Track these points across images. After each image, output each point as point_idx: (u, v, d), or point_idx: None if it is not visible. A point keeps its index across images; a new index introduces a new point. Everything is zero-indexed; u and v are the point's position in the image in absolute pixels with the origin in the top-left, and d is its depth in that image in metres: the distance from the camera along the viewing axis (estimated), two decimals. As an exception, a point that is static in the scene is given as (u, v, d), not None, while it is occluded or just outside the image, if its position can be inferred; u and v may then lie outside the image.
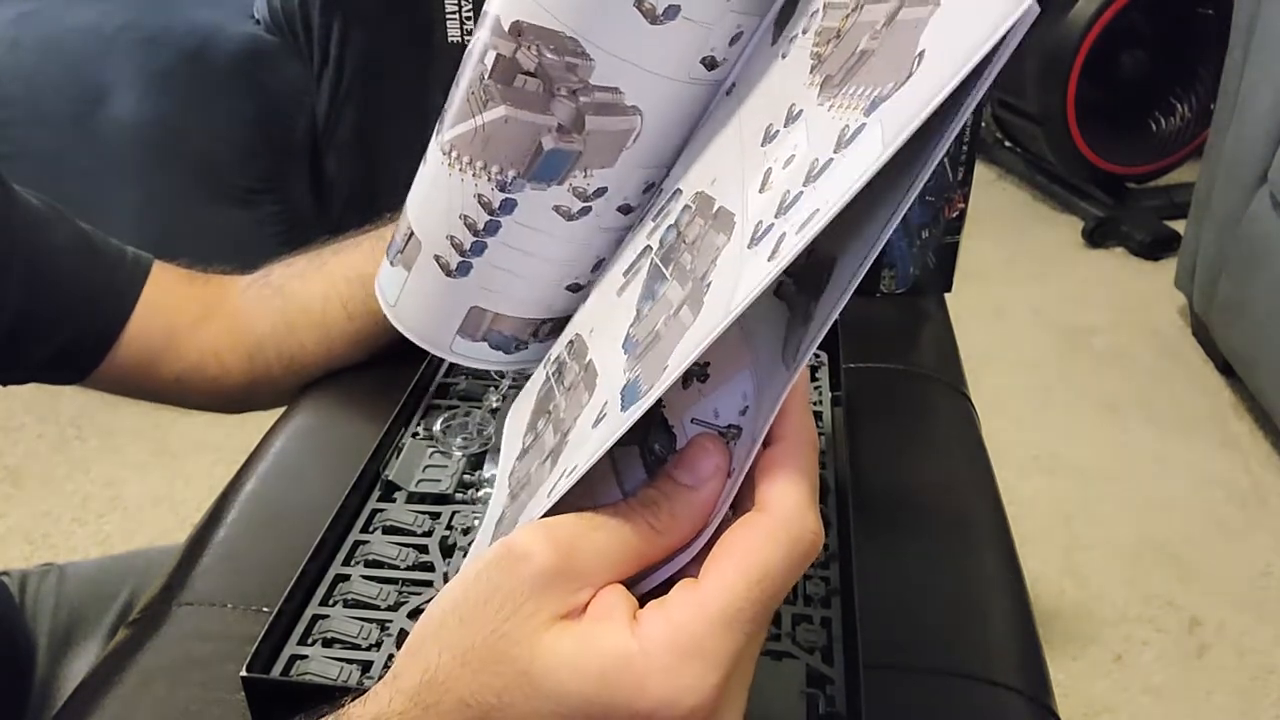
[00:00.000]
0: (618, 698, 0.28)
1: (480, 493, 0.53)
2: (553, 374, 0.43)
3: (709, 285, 0.31)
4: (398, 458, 0.55)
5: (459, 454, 0.55)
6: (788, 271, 0.29)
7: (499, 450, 0.51)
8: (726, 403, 0.34)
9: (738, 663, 0.29)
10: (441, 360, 0.63)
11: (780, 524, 0.29)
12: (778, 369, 0.32)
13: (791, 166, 0.30)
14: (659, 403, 0.33)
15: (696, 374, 0.35)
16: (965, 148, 0.72)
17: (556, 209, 0.40)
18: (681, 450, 0.33)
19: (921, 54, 0.26)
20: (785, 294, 0.34)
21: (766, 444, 0.31)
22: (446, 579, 0.48)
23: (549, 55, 0.37)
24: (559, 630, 0.29)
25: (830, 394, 0.60)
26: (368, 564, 0.48)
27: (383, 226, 0.63)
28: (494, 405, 0.58)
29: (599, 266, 0.44)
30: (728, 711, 0.29)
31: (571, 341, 0.43)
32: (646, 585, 0.32)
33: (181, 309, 0.62)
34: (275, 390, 0.65)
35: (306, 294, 0.63)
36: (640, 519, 0.31)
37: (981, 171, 2.49)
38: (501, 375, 0.61)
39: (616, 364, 0.35)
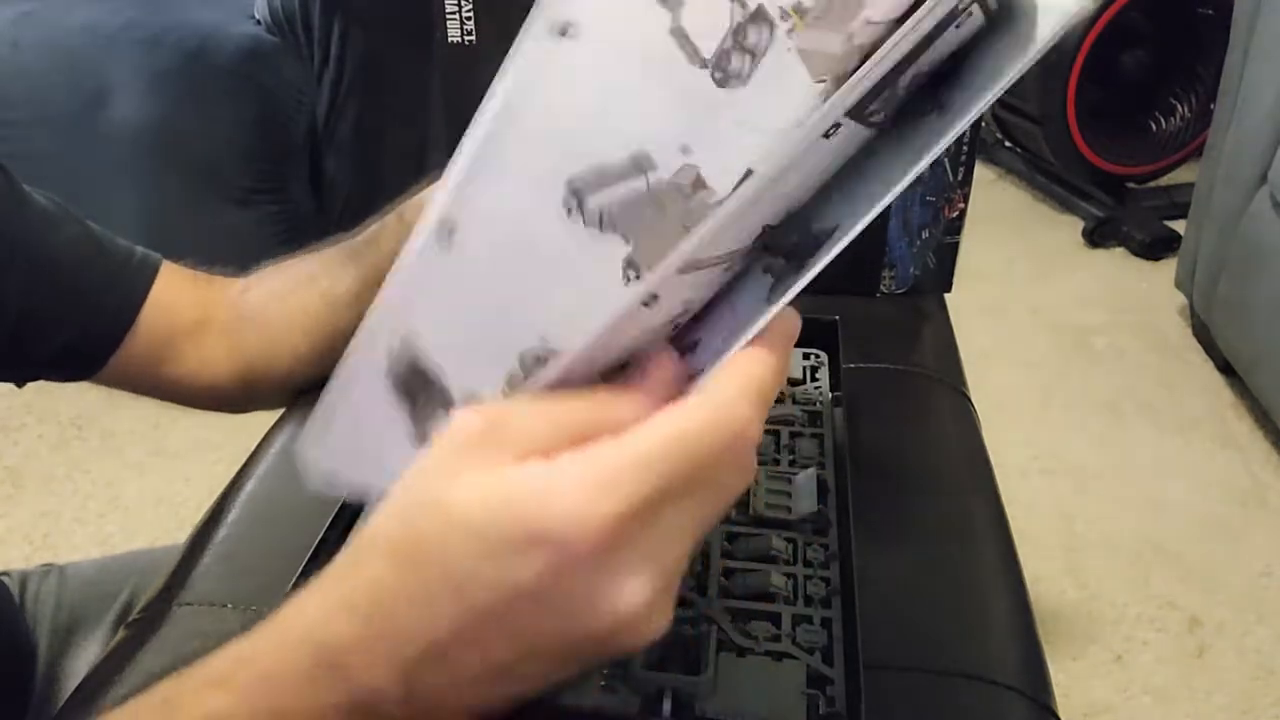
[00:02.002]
0: (521, 516, 0.29)
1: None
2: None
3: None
4: (398, 458, 0.54)
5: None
6: (779, 252, 0.30)
7: None
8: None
9: (643, 511, 0.29)
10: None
11: (710, 402, 0.30)
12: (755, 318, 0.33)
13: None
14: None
15: (687, 349, 0.35)
16: (965, 148, 0.72)
17: None
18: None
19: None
20: (773, 269, 0.34)
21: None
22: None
23: None
24: (480, 471, 0.30)
25: (830, 394, 0.60)
26: (368, 564, 0.48)
27: (356, 236, 0.62)
28: (494, 405, 0.58)
29: None
30: (623, 565, 0.29)
31: None
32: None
33: (185, 312, 0.63)
34: (270, 397, 0.65)
35: (281, 323, 0.63)
36: (581, 405, 0.32)
37: (981, 171, 2.49)
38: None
39: None
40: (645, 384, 0.33)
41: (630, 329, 0.32)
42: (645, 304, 0.31)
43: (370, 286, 0.57)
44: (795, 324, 0.34)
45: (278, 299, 0.63)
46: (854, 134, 0.31)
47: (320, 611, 0.31)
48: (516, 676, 0.31)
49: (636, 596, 0.29)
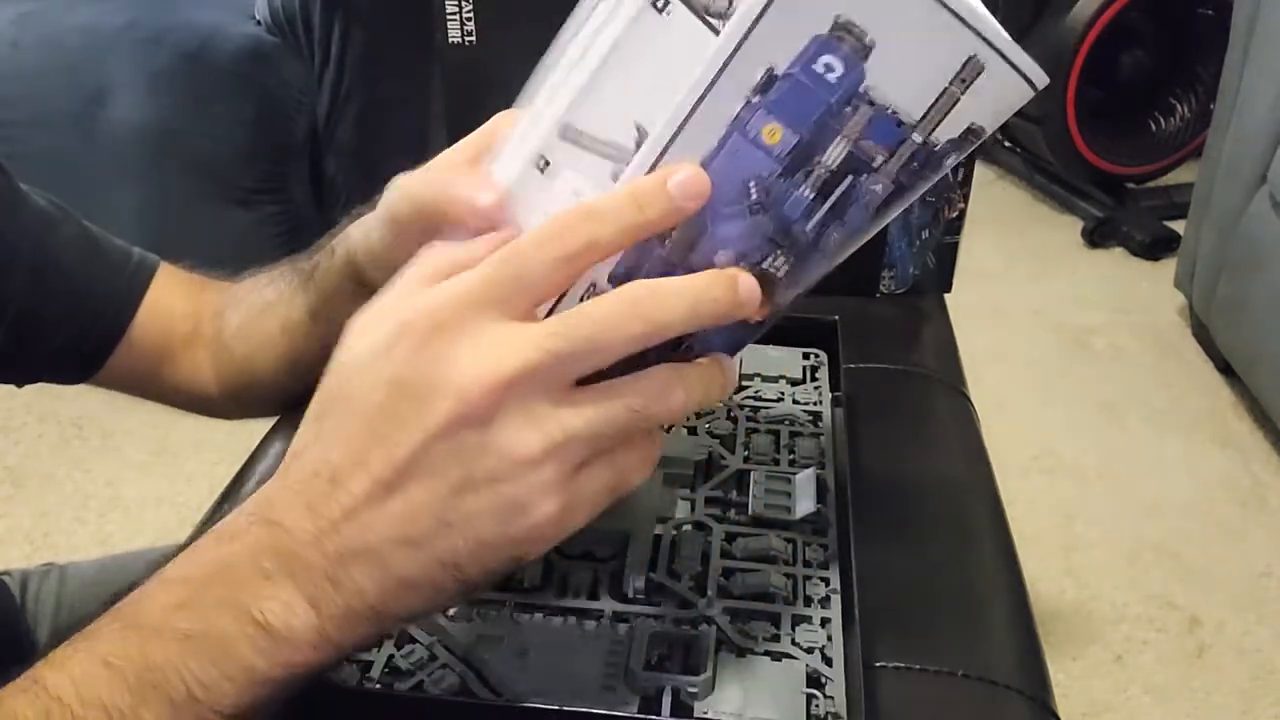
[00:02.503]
0: (387, 313, 0.34)
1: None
2: None
3: None
4: (398, 458, 0.54)
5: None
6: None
7: None
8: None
9: (483, 301, 0.33)
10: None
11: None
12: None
13: None
14: None
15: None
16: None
17: None
18: None
19: None
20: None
21: None
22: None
23: None
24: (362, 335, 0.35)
25: (830, 394, 0.60)
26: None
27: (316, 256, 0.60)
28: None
29: None
30: (468, 342, 0.32)
31: None
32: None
33: (181, 317, 0.62)
34: (260, 410, 0.65)
35: (250, 346, 0.61)
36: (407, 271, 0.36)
37: (981, 171, 2.49)
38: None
39: None
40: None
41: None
42: (539, 169, 0.35)
43: (320, 313, 0.56)
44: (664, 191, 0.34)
45: (245, 329, 0.61)
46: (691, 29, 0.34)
47: (268, 484, 0.35)
48: (416, 526, 0.32)
49: (486, 370, 0.31)
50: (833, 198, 0.34)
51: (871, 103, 0.33)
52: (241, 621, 0.32)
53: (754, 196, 0.34)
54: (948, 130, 0.33)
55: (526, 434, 0.32)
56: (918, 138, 0.33)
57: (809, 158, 0.34)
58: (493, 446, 0.32)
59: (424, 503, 0.32)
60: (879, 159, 0.34)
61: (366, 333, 0.34)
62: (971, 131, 0.34)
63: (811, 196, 0.34)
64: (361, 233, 0.50)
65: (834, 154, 0.34)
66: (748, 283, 0.34)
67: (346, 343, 0.34)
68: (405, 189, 0.44)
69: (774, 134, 0.33)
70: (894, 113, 0.33)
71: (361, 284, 0.51)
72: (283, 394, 0.62)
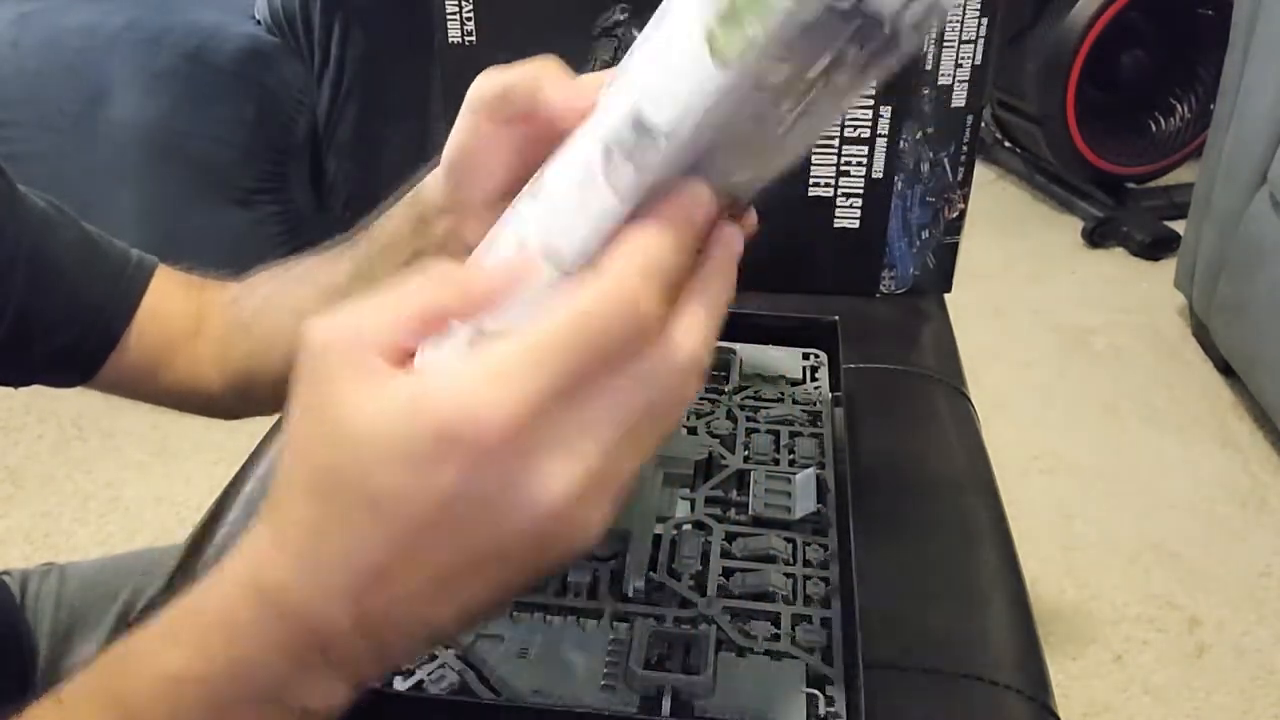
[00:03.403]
0: (425, 420, 0.28)
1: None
2: None
3: None
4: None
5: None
6: None
7: None
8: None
9: (551, 396, 0.28)
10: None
11: (603, 277, 0.30)
12: None
13: None
14: None
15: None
16: (965, 148, 0.72)
17: None
18: None
19: None
20: None
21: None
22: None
23: None
24: (360, 383, 0.30)
25: (830, 394, 0.60)
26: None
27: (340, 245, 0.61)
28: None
29: None
30: (544, 454, 0.29)
31: None
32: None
33: (180, 317, 0.62)
34: (262, 406, 0.65)
35: (269, 336, 0.61)
36: (417, 280, 0.31)
37: (981, 171, 2.49)
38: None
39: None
40: (487, 252, 0.33)
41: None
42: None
43: (364, 273, 0.56)
44: (698, 201, 0.32)
45: (270, 302, 0.62)
46: None
47: (256, 554, 0.31)
48: (463, 589, 0.31)
49: (557, 485, 0.29)
50: (806, 101, 0.33)
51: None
52: (282, 713, 0.31)
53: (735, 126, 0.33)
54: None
55: (593, 519, 0.30)
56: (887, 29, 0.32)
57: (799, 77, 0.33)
58: (564, 538, 0.30)
59: (482, 587, 0.31)
60: (852, 54, 0.32)
61: (386, 412, 0.29)
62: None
63: (790, 108, 0.33)
64: (431, 172, 0.49)
65: (819, 65, 0.32)
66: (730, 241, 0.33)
67: (350, 402, 0.30)
68: (492, 76, 0.41)
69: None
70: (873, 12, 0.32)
71: (422, 228, 0.50)
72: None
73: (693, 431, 0.56)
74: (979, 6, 0.67)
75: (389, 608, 0.30)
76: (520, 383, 0.28)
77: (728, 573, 0.47)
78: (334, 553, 0.30)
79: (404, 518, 0.29)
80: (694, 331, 0.31)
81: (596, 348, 0.29)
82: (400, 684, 0.42)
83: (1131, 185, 2.35)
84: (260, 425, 0.64)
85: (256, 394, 0.63)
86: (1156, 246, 2.18)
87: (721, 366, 0.61)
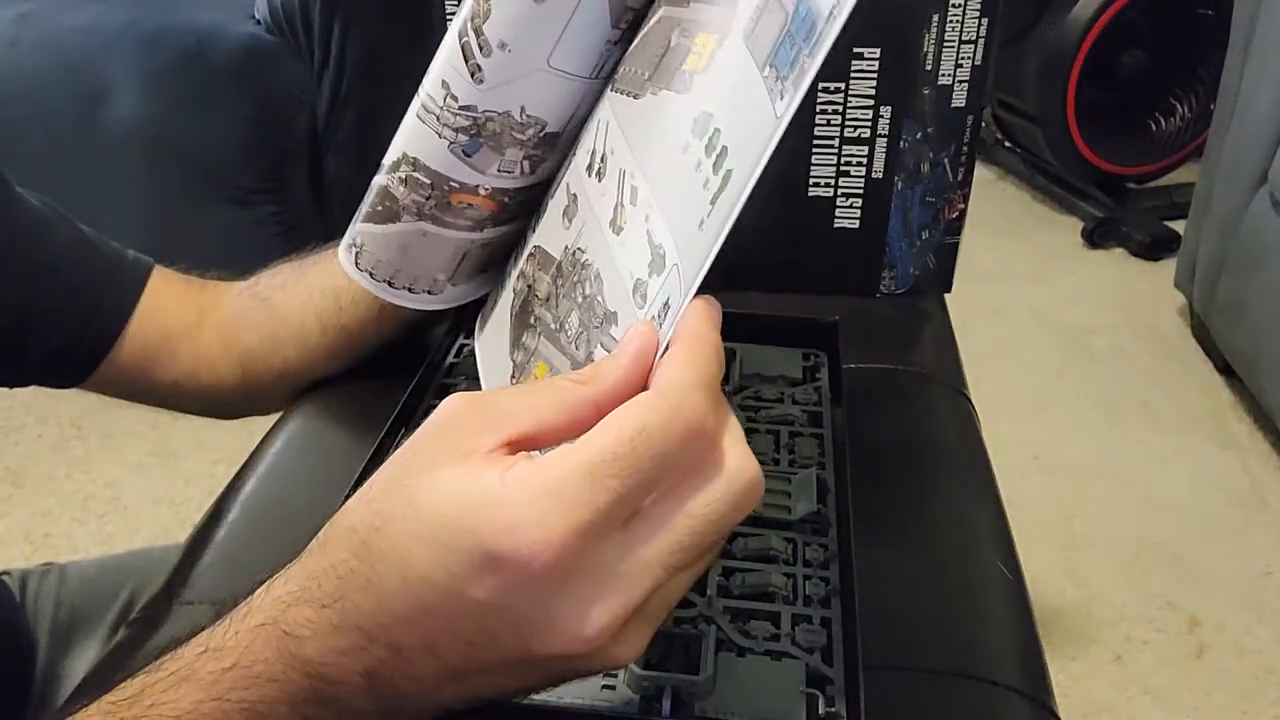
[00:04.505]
0: (471, 524, 0.28)
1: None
2: (518, 291, 0.47)
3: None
4: (398, 458, 0.54)
5: (459, 454, 0.55)
6: None
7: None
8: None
9: (599, 525, 0.27)
10: (441, 362, 0.63)
11: (661, 393, 0.29)
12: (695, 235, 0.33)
13: None
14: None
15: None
16: (965, 148, 0.72)
17: None
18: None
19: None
20: None
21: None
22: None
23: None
24: (452, 465, 0.29)
25: (830, 394, 0.60)
26: (368, 564, 0.48)
27: None
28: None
29: None
30: (584, 584, 0.28)
31: (532, 255, 0.46)
32: None
33: (178, 314, 0.62)
34: (268, 398, 0.65)
35: (287, 306, 0.62)
36: (561, 378, 0.31)
37: (981, 172, 2.49)
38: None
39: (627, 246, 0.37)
40: (622, 351, 0.32)
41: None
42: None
43: None
44: (717, 308, 0.32)
45: (285, 285, 0.63)
46: None
47: (284, 596, 0.31)
48: (477, 683, 0.30)
49: (600, 620, 0.28)
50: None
51: None
52: None
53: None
54: None
55: (627, 652, 0.30)
56: None
57: None
58: (596, 662, 0.30)
59: (498, 684, 0.31)
60: None
61: (451, 497, 0.29)
62: None
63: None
64: None
65: None
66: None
67: (436, 474, 0.29)
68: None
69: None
70: None
71: None
72: (312, 359, 0.62)
73: (693, 431, 0.56)
74: (979, 6, 0.67)
75: (400, 681, 0.30)
76: (571, 503, 0.27)
77: (728, 572, 0.47)
78: (358, 615, 0.29)
79: (429, 611, 0.29)
80: (748, 453, 0.30)
81: (653, 465, 0.28)
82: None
83: (1131, 185, 2.35)
84: (260, 425, 0.64)
85: (263, 381, 0.63)
86: (1156, 246, 2.18)
87: (721, 366, 0.61)
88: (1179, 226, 2.00)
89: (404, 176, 0.50)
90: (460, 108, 0.47)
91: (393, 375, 0.61)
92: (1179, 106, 2.27)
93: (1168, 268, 2.00)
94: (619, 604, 0.28)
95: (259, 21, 1.68)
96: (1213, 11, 2.12)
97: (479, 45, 0.45)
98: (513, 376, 0.45)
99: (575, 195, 0.44)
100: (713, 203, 0.32)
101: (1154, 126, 2.29)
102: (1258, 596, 1.39)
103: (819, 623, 0.45)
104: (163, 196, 1.69)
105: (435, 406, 0.58)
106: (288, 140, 1.69)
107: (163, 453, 1.66)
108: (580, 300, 0.40)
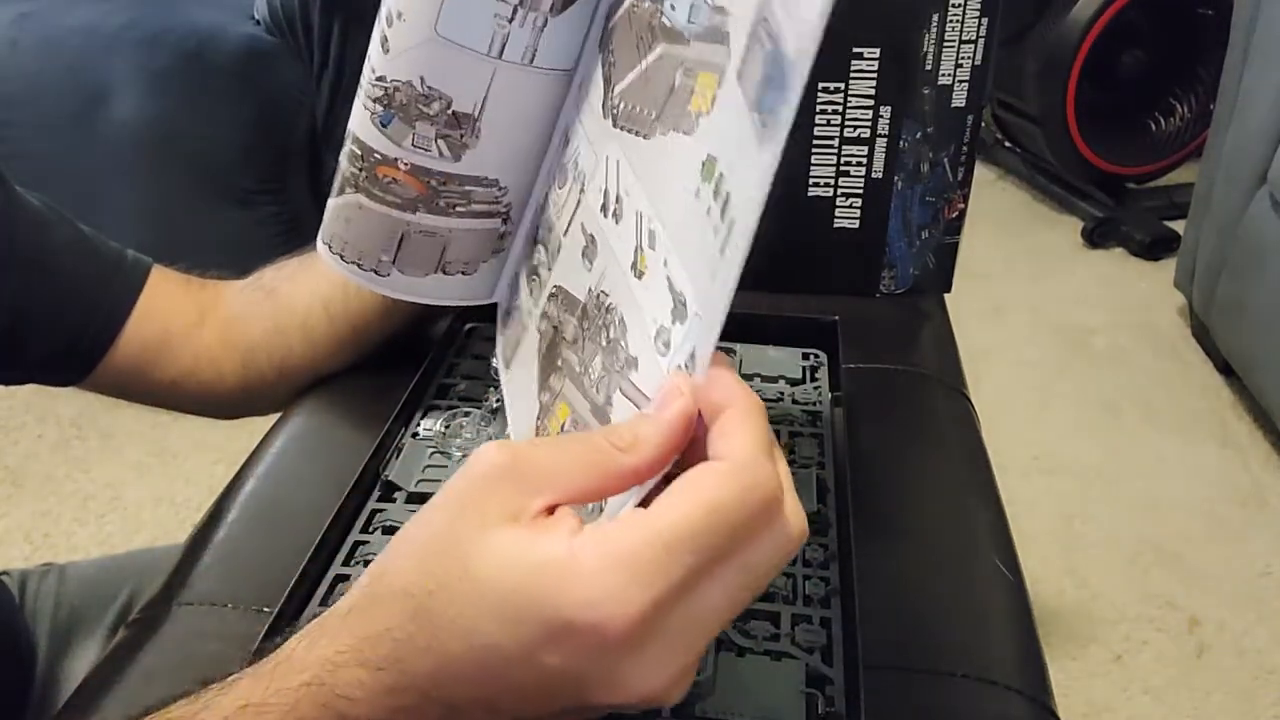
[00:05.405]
0: (543, 595, 0.28)
1: (480, 493, 0.53)
2: (544, 332, 0.47)
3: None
4: (398, 458, 0.55)
5: (458, 454, 0.55)
6: None
7: (509, 429, 0.52)
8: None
9: (672, 596, 0.28)
10: (441, 362, 0.63)
11: (736, 466, 0.29)
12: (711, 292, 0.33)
13: None
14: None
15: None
16: (965, 148, 0.72)
17: None
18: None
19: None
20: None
21: (715, 411, 0.32)
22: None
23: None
24: (504, 529, 0.30)
25: (830, 394, 0.60)
26: (367, 564, 0.48)
27: None
28: (494, 406, 0.58)
29: None
30: (653, 649, 0.29)
31: (554, 295, 0.46)
32: (610, 513, 0.33)
33: (178, 313, 0.62)
34: (269, 395, 0.65)
35: (292, 297, 0.62)
36: (599, 436, 0.32)
37: (981, 171, 2.49)
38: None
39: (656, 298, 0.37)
40: (660, 408, 0.32)
41: None
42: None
43: None
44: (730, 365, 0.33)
45: (291, 276, 0.63)
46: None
47: (332, 657, 0.31)
48: None
49: (663, 677, 0.29)
50: None
51: None
52: None
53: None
54: None
55: (676, 694, 0.30)
56: None
57: None
58: (647, 706, 0.30)
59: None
60: None
61: (518, 570, 0.29)
62: None
63: None
64: None
65: None
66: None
67: (490, 542, 0.30)
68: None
69: None
70: None
71: None
72: (315, 353, 0.62)
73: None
74: (979, 6, 0.67)
75: None
76: (650, 579, 0.28)
77: (728, 573, 0.47)
78: (416, 676, 0.30)
79: (493, 674, 0.29)
80: (799, 505, 0.31)
81: (728, 539, 0.29)
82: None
83: (1131, 185, 2.35)
84: (260, 425, 0.64)
85: (265, 377, 0.63)
86: (1156, 246, 2.18)
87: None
88: (1179, 226, 2.00)
89: (347, 150, 0.52)
90: (376, 78, 0.49)
91: (392, 376, 0.61)
92: (1179, 106, 2.27)
93: (1167, 268, 2.00)
94: (682, 661, 0.29)
95: (259, 22, 1.68)
96: (1213, 11, 2.12)
97: (387, 16, 0.47)
98: (538, 417, 0.45)
99: (593, 236, 0.43)
100: (721, 251, 0.32)
101: (1154, 126, 2.29)
102: (1258, 596, 1.39)
103: (819, 623, 0.45)
104: (163, 197, 1.69)
105: (435, 406, 0.59)
106: (288, 140, 1.69)
107: (163, 453, 1.66)
108: (605, 344, 0.40)
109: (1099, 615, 1.37)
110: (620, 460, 0.31)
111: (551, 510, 0.31)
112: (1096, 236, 2.24)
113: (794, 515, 0.30)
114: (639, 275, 0.38)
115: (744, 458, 0.30)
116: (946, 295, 0.78)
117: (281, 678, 0.31)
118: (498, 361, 0.56)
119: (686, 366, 0.33)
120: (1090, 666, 1.31)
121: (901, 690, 0.44)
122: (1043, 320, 2.01)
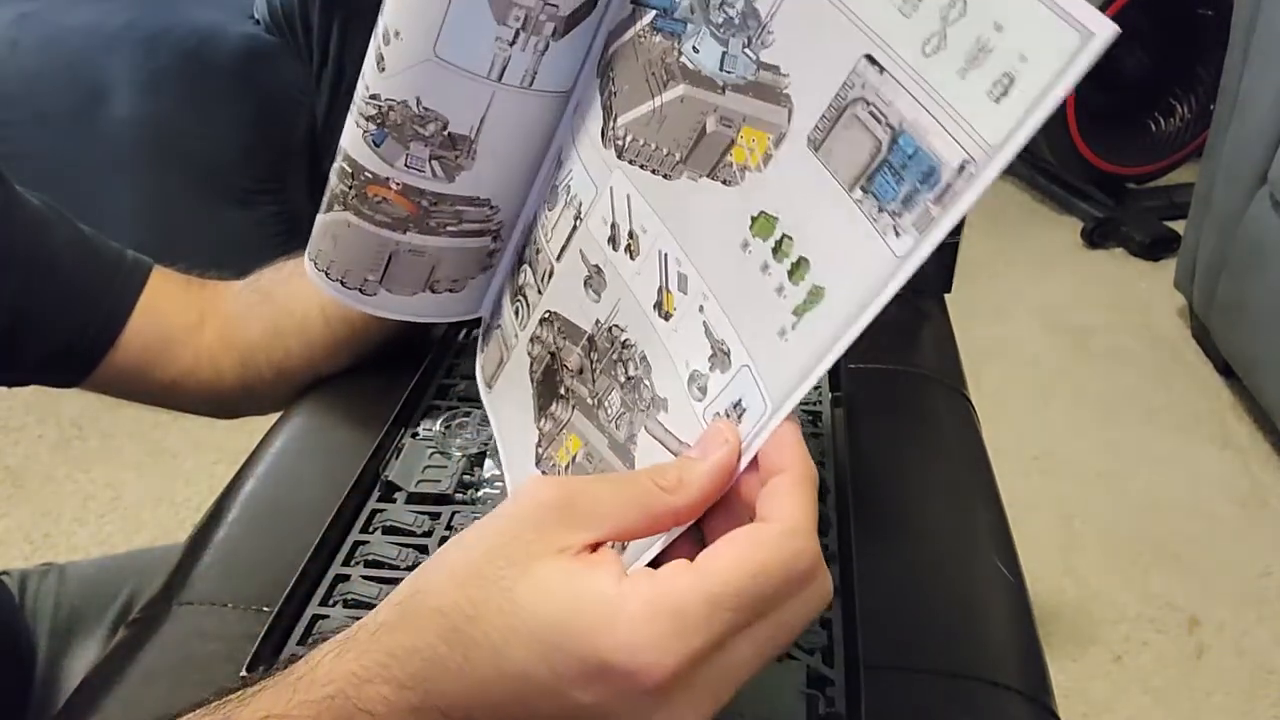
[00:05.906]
0: (584, 631, 0.29)
1: (480, 493, 0.53)
2: (536, 356, 0.46)
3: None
4: (398, 458, 0.55)
5: (458, 454, 0.55)
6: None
7: (499, 451, 0.51)
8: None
9: (708, 650, 0.29)
10: (441, 362, 0.63)
11: (784, 532, 0.30)
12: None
13: None
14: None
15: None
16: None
17: None
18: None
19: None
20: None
21: (772, 470, 0.32)
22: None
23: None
24: (552, 560, 0.30)
25: (830, 394, 0.60)
26: (368, 564, 0.48)
27: None
28: (494, 405, 0.59)
29: None
30: (682, 698, 0.29)
31: (547, 320, 0.46)
32: (651, 555, 0.33)
33: (178, 313, 0.62)
34: (268, 395, 0.65)
35: (291, 298, 0.62)
36: (646, 477, 0.32)
37: (981, 171, 2.48)
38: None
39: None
40: (704, 454, 0.33)
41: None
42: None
43: None
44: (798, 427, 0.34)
45: (289, 279, 0.63)
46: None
47: (358, 671, 0.31)
48: None
49: None
50: None
51: None
52: None
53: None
54: None
55: None
56: None
57: None
58: None
59: None
60: None
61: (561, 603, 0.29)
62: None
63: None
64: None
65: None
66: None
67: (534, 572, 0.30)
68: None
69: None
70: None
71: None
72: (313, 355, 0.62)
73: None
74: (979, 6, 0.67)
75: None
76: (692, 633, 0.28)
77: (728, 573, 0.47)
78: (442, 697, 0.30)
79: (522, 702, 0.29)
80: (827, 570, 0.31)
81: (769, 602, 0.29)
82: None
83: (1131, 185, 2.35)
84: (260, 425, 0.64)
85: (264, 377, 0.63)
86: (1156, 246, 2.18)
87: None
88: (1179, 226, 2.00)
89: (337, 167, 0.51)
90: (370, 96, 0.48)
91: (391, 376, 0.61)
92: (1179, 106, 2.27)
93: (1167, 268, 2.00)
94: (710, 708, 0.30)
95: (259, 21, 1.68)
96: (1213, 11, 2.12)
97: (383, 34, 0.46)
98: (539, 444, 0.45)
99: (598, 267, 0.43)
100: (797, 314, 0.32)
101: (1154, 126, 2.29)
102: (1258, 596, 1.39)
103: (819, 623, 0.44)
104: (163, 197, 1.69)
105: (435, 406, 0.59)
106: (288, 140, 1.69)
107: (163, 453, 1.66)
108: (622, 380, 0.40)
109: (1099, 615, 1.37)
110: (666, 501, 0.32)
111: (595, 547, 0.31)
112: (1096, 237, 2.24)
113: (824, 577, 0.31)
114: (665, 316, 0.38)
115: (795, 525, 0.30)
116: (946, 295, 0.78)
117: (305, 690, 0.31)
118: (477, 378, 0.56)
119: (728, 414, 0.33)
120: (1090, 666, 1.31)
121: (901, 690, 0.44)
122: (1042, 320, 2.01)
